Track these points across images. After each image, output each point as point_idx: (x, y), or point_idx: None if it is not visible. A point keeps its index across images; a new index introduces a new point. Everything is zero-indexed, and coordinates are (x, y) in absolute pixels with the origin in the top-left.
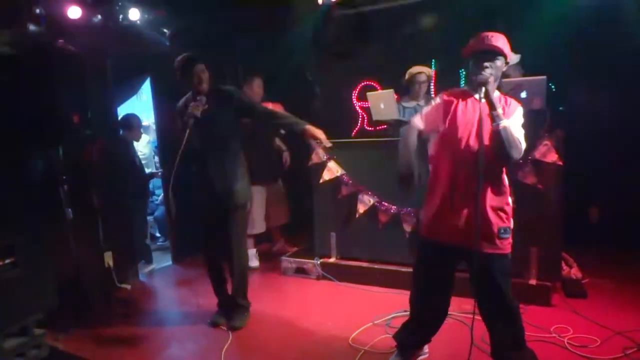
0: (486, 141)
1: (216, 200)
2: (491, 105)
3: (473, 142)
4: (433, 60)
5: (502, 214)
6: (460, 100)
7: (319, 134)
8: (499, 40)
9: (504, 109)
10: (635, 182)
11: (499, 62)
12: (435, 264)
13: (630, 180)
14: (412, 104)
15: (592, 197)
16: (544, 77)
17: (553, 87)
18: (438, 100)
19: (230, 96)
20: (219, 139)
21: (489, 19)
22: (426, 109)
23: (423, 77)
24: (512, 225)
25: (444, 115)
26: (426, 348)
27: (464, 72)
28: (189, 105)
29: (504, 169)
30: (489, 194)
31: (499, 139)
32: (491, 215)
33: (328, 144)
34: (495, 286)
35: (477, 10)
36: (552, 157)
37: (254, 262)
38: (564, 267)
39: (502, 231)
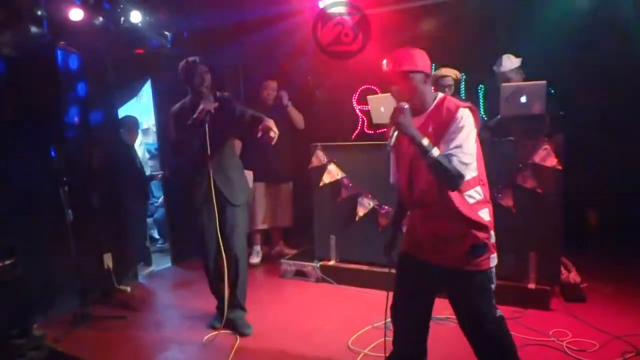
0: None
1: (218, 200)
2: (412, 139)
3: (413, 163)
4: (433, 64)
5: (472, 230)
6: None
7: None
8: (397, 63)
9: (437, 124)
10: (634, 187)
11: (410, 80)
12: (409, 280)
13: (630, 185)
14: None
15: (591, 202)
16: (544, 82)
17: (553, 91)
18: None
19: (228, 101)
20: (218, 140)
21: (490, 24)
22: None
23: (449, 81)
24: (488, 241)
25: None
26: None
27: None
28: (186, 108)
29: (463, 186)
30: (449, 210)
31: (431, 171)
32: (453, 231)
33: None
34: (467, 304)
35: (478, 16)
36: (552, 162)
37: (255, 259)
38: (563, 271)
39: (474, 248)
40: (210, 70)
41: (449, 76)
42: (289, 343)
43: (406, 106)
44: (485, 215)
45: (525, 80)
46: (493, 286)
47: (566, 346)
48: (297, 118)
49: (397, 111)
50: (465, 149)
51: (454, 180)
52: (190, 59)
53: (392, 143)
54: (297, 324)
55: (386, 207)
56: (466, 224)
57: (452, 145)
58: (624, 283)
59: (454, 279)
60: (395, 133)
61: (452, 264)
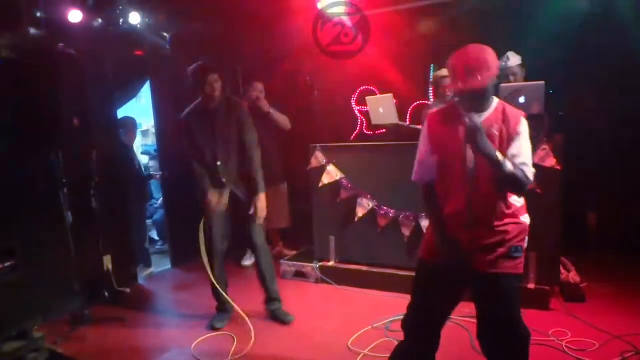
0: (478, 167)
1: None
2: (488, 157)
3: (462, 170)
4: (432, 65)
5: (514, 232)
6: (445, 123)
7: (260, 210)
8: (480, 71)
9: (502, 130)
10: (633, 187)
11: (490, 86)
12: (434, 286)
13: (629, 185)
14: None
15: (590, 202)
16: (542, 82)
17: (551, 91)
18: (424, 127)
19: (238, 110)
20: (228, 144)
21: (488, 23)
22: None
23: (449, 81)
24: (524, 245)
25: (430, 144)
26: None
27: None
28: (197, 113)
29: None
30: (495, 211)
31: (501, 179)
32: (492, 231)
33: (260, 220)
34: (497, 309)
35: (476, 15)
36: (551, 162)
37: (248, 262)
38: (563, 271)
39: (514, 250)
40: (221, 75)
41: (449, 77)
42: (288, 344)
43: (480, 123)
44: (526, 219)
45: (526, 78)
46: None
47: (566, 346)
48: (282, 121)
49: (473, 131)
50: (530, 157)
51: (523, 187)
52: (201, 64)
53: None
54: (296, 324)
55: (385, 207)
56: (510, 226)
57: (522, 154)
58: (624, 283)
59: (490, 282)
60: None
61: (490, 267)
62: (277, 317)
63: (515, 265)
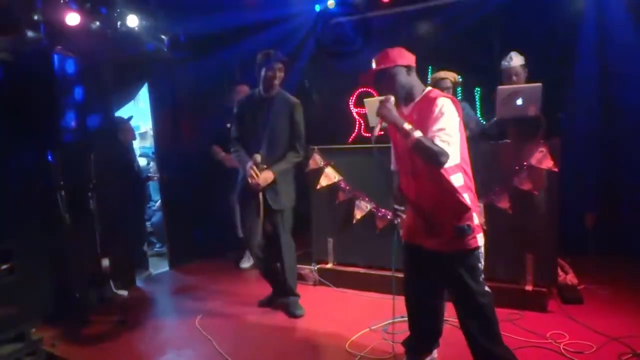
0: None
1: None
2: (395, 126)
3: (403, 153)
4: (430, 67)
5: (454, 212)
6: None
7: (261, 179)
8: (376, 63)
9: (421, 113)
10: (630, 188)
11: (389, 76)
12: (411, 265)
13: (626, 186)
14: None
15: (588, 204)
16: (539, 84)
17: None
18: None
19: (293, 108)
20: (274, 136)
21: (486, 26)
22: None
23: (447, 83)
24: (472, 222)
25: (389, 134)
26: (435, 353)
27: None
28: (254, 99)
29: (446, 170)
30: (435, 196)
31: (416, 152)
32: (439, 215)
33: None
34: (459, 282)
35: (474, 17)
36: (548, 164)
37: (246, 263)
38: (560, 273)
39: (457, 230)
40: (285, 68)
41: (447, 78)
42: (286, 346)
43: (391, 99)
44: (467, 199)
45: (527, 79)
46: (481, 265)
47: (563, 348)
48: None
49: (381, 103)
50: (449, 130)
51: (437, 157)
52: (270, 50)
53: (375, 133)
54: (295, 326)
55: (383, 210)
56: (451, 205)
57: (434, 128)
58: (621, 285)
59: (445, 260)
60: (380, 124)
61: (442, 246)
62: (288, 309)
63: (464, 242)
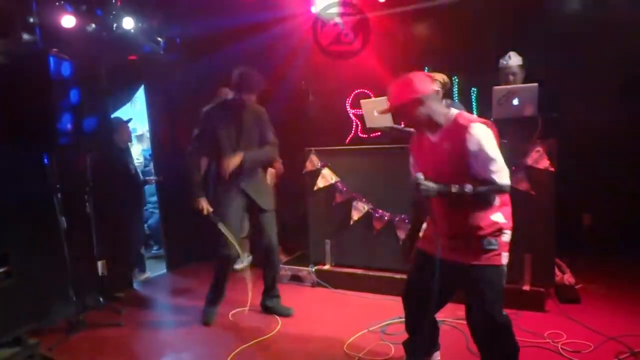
0: (438, 172)
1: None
2: (443, 195)
3: (433, 175)
4: (426, 68)
5: (485, 229)
6: (416, 140)
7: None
8: (394, 98)
9: (453, 141)
10: (628, 188)
11: (412, 109)
12: (421, 271)
13: (623, 186)
14: None
15: (585, 203)
16: (536, 84)
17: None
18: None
19: (263, 112)
20: (251, 142)
21: (484, 27)
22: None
23: (436, 85)
24: (500, 239)
25: (412, 157)
26: (437, 356)
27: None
28: (225, 108)
29: None
30: (464, 215)
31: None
32: (463, 231)
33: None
34: (476, 298)
35: (471, 19)
36: (544, 164)
37: (240, 265)
38: (557, 273)
39: (485, 242)
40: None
41: (436, 80)
42: (284, 348)
43: (420, 177)
44: (499, 218)
45: (525, 80)
46: (501, 286)
47: (561, 347)
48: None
49: (415, 186)
50: (497, 158)
51: (499, 194)
52: (257, 73)
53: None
54: (292, 328)
55: (380, 210)
56: (482, 222)
57: (489, 168)
58: (619, 284)
59: (468, 273)
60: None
61: (467, 259)
62: (277, 311)
63: (488, 257)
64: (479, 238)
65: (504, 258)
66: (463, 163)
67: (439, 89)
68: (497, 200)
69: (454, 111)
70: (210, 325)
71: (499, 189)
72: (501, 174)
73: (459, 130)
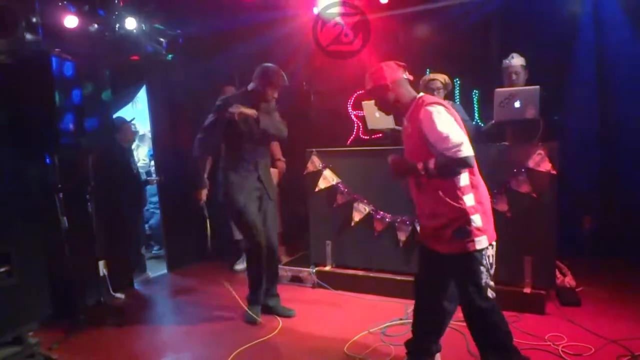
0: (410, 154)
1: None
2: (411, 173)
3: (409, 158)
4: (428, 70)
5: (452, 215)
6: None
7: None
8: (364, 85)
9: (413, 122)
10: (628, 191)
11: (378, 95)
12: (422, 265)
13: (624, 189)
14: None
15: (586, 206)
16: (537, 87)
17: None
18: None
19: (273, 111)
20: (267, 140)
21: (484, 28)
22: None
23: (437, 84)
24: (469, 226)
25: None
26: (438, 357)
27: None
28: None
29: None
30: (433, 199)
31: (441, 177)
32: (434, 218)
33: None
34: (459, 285)
35: (472, 22)
36: (546, 166)
37: (241, 265)
38: (558, 275)
39: (454, 233)
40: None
41: (436, 79)
42: (284, 349)
43: (389, 160)
44: (468, 200)
45: (527, 81)
46: (482, 267)
47: (562, 350)
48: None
49: (390, 167)
50: (452, 134)
51: (460, 167)
52: (280, 70)
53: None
54: (292, 329)
55: (381, 212)
56: (447, 208)
57: (440, 142)
58: (619, 287)
59: (446, 261)
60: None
61: (442, 248)
62: (279, 312)
63: (462, 245)
64: (448, 227)
65: (478, 243)
66: (424, 144)
67: (440, 87)
68: (467, 179)
69: (418, 95)
70: (258, 324)
71: (457, 162)
72: (457, 149)
73: (416, 113)
